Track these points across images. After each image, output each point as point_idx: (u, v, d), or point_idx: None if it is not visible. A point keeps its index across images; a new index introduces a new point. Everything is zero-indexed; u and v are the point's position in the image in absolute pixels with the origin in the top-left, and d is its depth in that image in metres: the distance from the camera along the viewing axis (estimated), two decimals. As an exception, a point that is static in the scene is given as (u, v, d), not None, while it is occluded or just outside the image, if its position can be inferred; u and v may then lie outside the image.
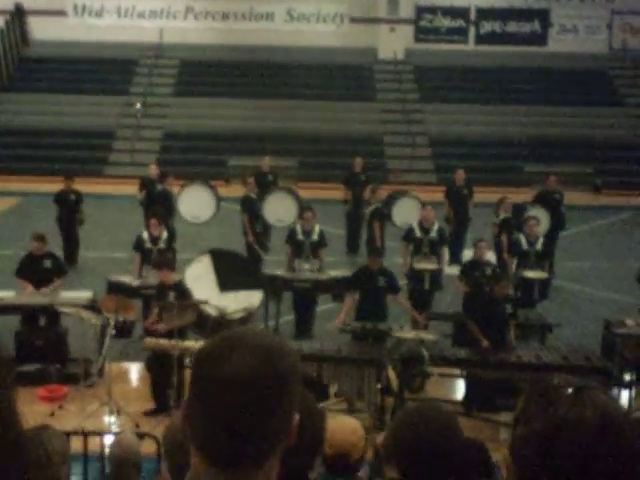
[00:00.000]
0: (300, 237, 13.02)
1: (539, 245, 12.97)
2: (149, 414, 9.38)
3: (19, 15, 30.66)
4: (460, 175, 16.97)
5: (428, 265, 12.78)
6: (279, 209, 15.93)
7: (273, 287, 12.32)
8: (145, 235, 12.77)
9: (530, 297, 12.45)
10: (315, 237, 13.05)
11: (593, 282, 15.20)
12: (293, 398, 1.75)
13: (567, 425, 1.67)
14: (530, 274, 12.57)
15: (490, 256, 13.23)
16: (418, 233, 13.21)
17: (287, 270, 12.79)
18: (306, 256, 12.89)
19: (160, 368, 9.34)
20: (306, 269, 12.77)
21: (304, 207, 14.34)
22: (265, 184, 16.82)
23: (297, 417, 1.77)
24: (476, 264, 11.93)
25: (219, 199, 16.40)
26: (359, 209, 16.86)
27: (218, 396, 1.69)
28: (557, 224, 15.41)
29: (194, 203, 16.30)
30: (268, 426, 1.70)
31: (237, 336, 1.77)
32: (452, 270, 13.43)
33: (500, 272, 11.93)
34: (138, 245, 12.60)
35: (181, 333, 9.46)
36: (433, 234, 13.18)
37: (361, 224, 16.75)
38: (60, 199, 15.67)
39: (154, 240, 12.72)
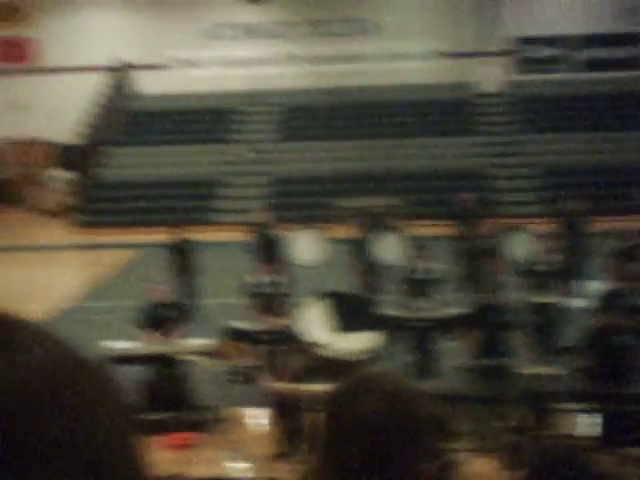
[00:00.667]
0: (414, 275, 12.92)
1: None
2: (278, 458, 9.35)
3: (125, 70, 31.64)
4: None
5: (548, 298, 12.51)
6: (390, 248, 15.88)
7: (391, 327, 12.22)
8: (257, 280, 12.86)
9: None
10: (429, 274, 12.94)
11: None
12: (424, 446, 1.72)
13: None
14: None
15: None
16: (535, 266, 12.97)
17: (404, 309, 12.69)
18: (421, 294, 12.77)
19: (286, 412, 9.34)
20: (422, 307, 12.65)
21: (415, 244, 14.26)
22: (375, 224, 16.81)
23: (427, 466, 1.71)
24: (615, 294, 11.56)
25: (329, 241, 16.46)
26: (470, 244, 16.68)
27: (350, 437, 1.67)
28: None
29: (304, 246, 16.40)
30: (400, 468, 1.67)
31: (371, 378, 1.77)
32: (577, 302, 13.11)
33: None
34: (251, 290, 12.70)
35: (299, 377, 9.46)
36: (549, 266, 12.92)
37: (474, 259, 16.54)
38: (175, 248, 15.94)
39: (267, 285, 12.80)
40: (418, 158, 27.89)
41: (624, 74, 30.50)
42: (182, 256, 15.77)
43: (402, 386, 1.75)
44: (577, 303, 13.16)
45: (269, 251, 15.34)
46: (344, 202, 25.21)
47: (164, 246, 16.11)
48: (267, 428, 10.09)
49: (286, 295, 13.49)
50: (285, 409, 9.39)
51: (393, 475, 1.66)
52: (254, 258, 15.70)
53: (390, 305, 13.47)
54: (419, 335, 12.40)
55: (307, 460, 8.36)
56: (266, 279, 12.89)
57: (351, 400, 1.70)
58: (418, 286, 12.86)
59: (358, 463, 1.66)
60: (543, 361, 10.90)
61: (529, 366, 10.22)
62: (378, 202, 18.31)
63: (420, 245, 13.80)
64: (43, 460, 0.66)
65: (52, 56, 31.86)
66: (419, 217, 23.70)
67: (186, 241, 16.01)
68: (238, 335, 11.76)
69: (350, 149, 28.63)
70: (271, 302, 12.42)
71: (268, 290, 12.78)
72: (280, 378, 9.85)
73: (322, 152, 28.73)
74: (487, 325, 10.93)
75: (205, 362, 10.22)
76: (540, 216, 23.29)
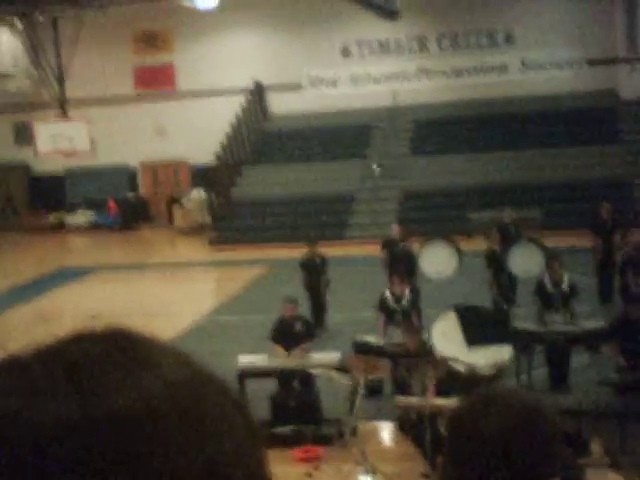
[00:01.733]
0: (549, 288, 12.55)
1: None
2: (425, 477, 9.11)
3: (259, 92, 32.24)
4: None
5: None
6: (525, 261, 15.51)
7: (524, 341, 11.90)
8: (388, 294, 12.79)
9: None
10: (565, 287, 12.54)
11: None
12: (551, 463, 1.68)
13: None
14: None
15: None
16: None
17: (538, 322, 12.33)
18: (556, 307, 12.38)
19: (413, 427, 9.21)
20: (557, 321, 12.26)
21: (551, 256, 13.86)
22: (509, 236, 16.47)
23: None
24: None
25: (461, 254, 16.21)
26: (610, 256, 16.12)
27: (473, 453, 1.65)
28: None
29: (436, 260, 16.20)
30: None
31: (494, 395, 1.76)
32: None
33: None
34: (382, 304, 12.65)
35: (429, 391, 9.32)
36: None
37: (613, 271, 15.97)
38: (306, 264, 16.04)
39: (398, 299, 12.71)
40: (557, 168, 27.24)
41: None
42: (313, 271, 15.86)
43: (528, 402, 1.74)
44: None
45: (402, 265, 15.24)
46: (477, 214, 24.89)
47: (298, 263, 16.24)
48: (393, 442, 9.98)
49: (418, 309, 13.38)
50: (412, 423, 9.25)
51: None
52: (387, 272, 15.61)
53: (523, 318, 13.12)
54: (553, 349, 12.01)
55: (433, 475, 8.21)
56: (398, 292, 12.81)
57: (475, 419, 1.70)
58: (554, 298, 12.48)
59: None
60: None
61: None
62: (512, 214, 17.84)
63: (555, 256, 13.42)
64: (170, 477, 0.67)
65: (190, 80, 32.77)
66: (556, 227, 23.15)
67: (317, 256, 16.09)
68: (367, 348, 11.73)
69: (484, 161, 28.20)
70: (403, 316, 12.34)
71: (399, 304, 12.69)
72: (410, 392, 9.74)
73: (456, 165, 28.41)
74: (629, 338, 10.53)
75: (333, 375, 10.20)
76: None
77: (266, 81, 32.10)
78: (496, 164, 27.96)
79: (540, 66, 30.87)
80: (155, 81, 33.22)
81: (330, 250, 18.46)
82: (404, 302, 12.74)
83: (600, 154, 27.71)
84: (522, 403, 1.71)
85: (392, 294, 12.79)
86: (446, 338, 11.59)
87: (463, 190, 27.23)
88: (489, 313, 12.97)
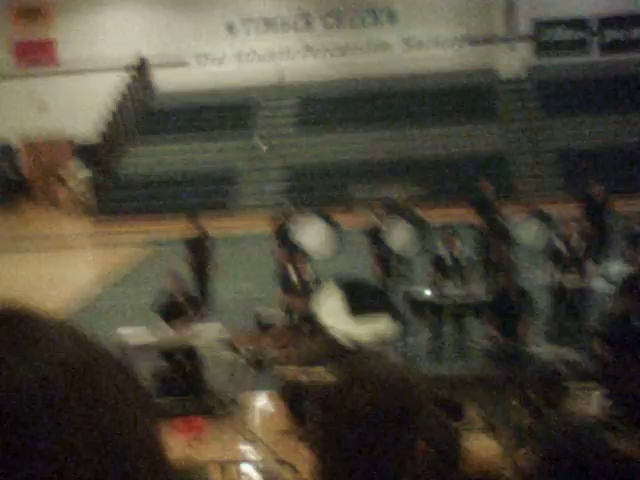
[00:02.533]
0: (447, 260, 12.91)
1: None
2: (283, 436, 9.36)
3: (143, 67, 31.79)
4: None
5: (569, 281, 12.44)
6: (405, 237, 15.81)
7: (416, 311, 12.23)
8: (281, 270, 12.95)
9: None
10: (461, 258, 12.95)
11: None
12: (419, 429, 1.75)
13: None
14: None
15: None
16: (555, 249, 12.95)
17: (432, 291, 12.64)
18: (452, 278, 12.76)
19: (294, 396, 9.37)
20: (451, 292, 12.60)
21: (446, 228, 14.21)
22: (392, 212, 16.71)
23: (424, 445, 1.75)
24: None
25: (338, 229, 16.33)
26: (489, 230, 16.47)
27: (343, 426, 1.71)
28: None
29: (314, 236, 16.34)
30: (393, 455, 1.71)
31: (364, 367, 1.80)
32: (598, 286, 12.96)
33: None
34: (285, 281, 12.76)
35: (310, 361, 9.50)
36: (570, 250, 12.87)
37: (492, 245, 16.39)
38: (191, 243, 15.75)
39: (290, 274, 12.85)
40: (438, 145, 27.79)
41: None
42: (198, 250, 15.71)
43: (396, 373, 1.78)
44: (598, 286, 13.04)
45: (289, 242, 15.36)
46: (363, 192, 25.22)
47: (182, 241, 16.14)
48: (276, 412, 10.12)
49: (308, 283, 13.52)
50: (293, 393, 9.40)
51: (389, 463, 1.71)
52: (275, 249, 15.73)
53: (416, 289, 13.37)
54: (445, 319, 12.35)
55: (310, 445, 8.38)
56: (289, 268, 12.94)
57: (343, 390, 1.74)
58: (447, 271, 12.83)
59: (353, 454, 1.69)
60: (560, 344, 10.84)
61: (545, 349, 10.17)
62: (397, 190, 18.17)
63: (448, 231, 13.76)
64: (67, 452, 0.68)
65: (72, 55, 32.08)
66: (438, 204, 23.69)
67: (203, 235, 15.95)
68: (263, 323, 11.82)
69: (371, 138, 28.57)
70: (295, 290, 12.47)
71: (292, 279, 12.83)
72: (291, 363, 9.87)
73: (342, 143, 28.70)
74: (506, 309, 10.92)
75: (216, 347, 10.27)
76: (562, 200, 23.18)
77: (151, 57, 31.69)
78: (380, 141, 28.33)
79: (422, 44, 31.35)
80: (36, 56, 32.38)
81: (216, 226, 18.43)
82: (295, 277, 12.88)
83: (481, 131, 28.39)
84: (388, 376, 1.75)
85: (285, 269, 12.95)
86: (327, 309, 11.74)
87: (349, 167, 27.53)
88: (370, 285, 13.17)
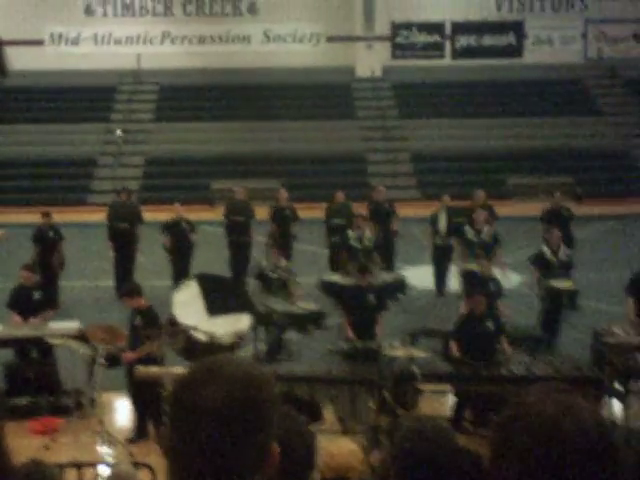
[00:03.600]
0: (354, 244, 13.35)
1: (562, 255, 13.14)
2: (132, 442, 9.33)
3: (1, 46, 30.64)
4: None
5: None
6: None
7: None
8: None
9: (558, 307, 12.59)
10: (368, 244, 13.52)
11: (581, 293, 15.12)
12: (269, 427, 1.77)
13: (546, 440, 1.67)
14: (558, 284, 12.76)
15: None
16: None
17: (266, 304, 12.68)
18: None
19: (144, 395, 9.33)
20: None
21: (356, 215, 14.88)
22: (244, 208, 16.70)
23: (276, 446, 1.78)
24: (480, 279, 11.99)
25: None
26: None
27: (193, 425, 1.70)
28: (567, 241, 14.90)
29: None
30: (243, 455, 1.72)
31: (214, 365, 1.78)
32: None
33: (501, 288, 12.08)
34: None
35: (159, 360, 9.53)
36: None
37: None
38: (38, 237, 14.77)
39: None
40: (296, 141, 28.03)
41: (497, 61, 31.26)
42: (46, 245, 14.83)
43: (249, 372, 1.77)
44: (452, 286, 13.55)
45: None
46: (219, 183, 25.17)
47: (32, 227, 15.62)
48: (129, 412, 10.05)
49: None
50: (146, 392, 9.35)
51: (239, 464, 1.72)
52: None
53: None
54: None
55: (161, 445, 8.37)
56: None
57: (192, 388, 1.73)
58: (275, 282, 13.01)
59: (202, 454, 1.69)
60: (410, 343, 11.15)
61: (395, 348, 10.44)
62: (254, 184, 18.26)
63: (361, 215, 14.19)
64: None
65: None
66: (295, 199, 23.84)
67: (51, 229, 15.07)
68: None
69: (228, 130, 28.56)
70: (126, 285, 12.10)
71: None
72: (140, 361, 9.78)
73: (200, 133, 28.57)
74: (357, 308, 11.16)
75: (72, 345, 10.07)
76: (412, 200, 23.88)
77: (4, 34, 30.54)
78: (236, 133, 28.35)
79: (282, 39, 31.49)
80: None
81: (70, 216, 18.04)
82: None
83: (337, 128, 28.82)
84: (240, 372, 1.76)
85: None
86: (187, 307, 11.68)
87: (206, 159, 27.41)
88: (229, 282, 13.23)
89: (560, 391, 1.76)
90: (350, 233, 14.23)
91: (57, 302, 14.43)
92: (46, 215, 15.06)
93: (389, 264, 15.60)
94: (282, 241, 15.25)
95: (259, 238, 16.06)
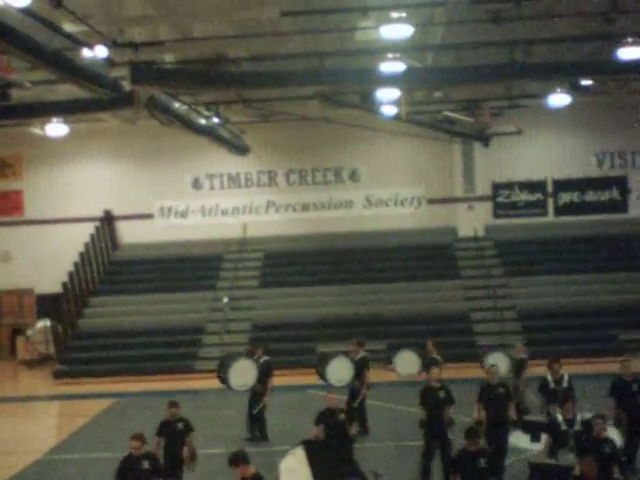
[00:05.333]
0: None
1: None
2: None
3: (108, 220, 32.11)
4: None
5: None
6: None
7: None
8: None
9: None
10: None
11: None
12: None
13: None
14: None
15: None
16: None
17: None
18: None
19: None
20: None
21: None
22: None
23: None
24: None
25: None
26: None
27: None
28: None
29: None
30: None
31: None
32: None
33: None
34: None
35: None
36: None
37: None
38: (165, 429, 12.92)
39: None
40: (401, 302, 28.20)
41: (601, 217, 31.12)
42: (174, 436, 12.79)
43: None
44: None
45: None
46: (326, 347, 25.18)
47: (143, 395, 15.77)
48: None
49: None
50: None
51: None
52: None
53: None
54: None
55: None
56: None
57: None
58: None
59: None
60: None
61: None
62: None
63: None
64: None
65: (39, 207, 32.36)
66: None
67: (180, 420, 13.03)
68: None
69: (333, 294, 28.89)
70: (237, 454, 11.81)
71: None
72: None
73: (304, 297, 28.96)
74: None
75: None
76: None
77: (117, 211, 32.08)
78: (341, 297, 28.65)
79: (383, 203, 32.05)
80: (2, 207, 32.58)
81: (179, 383, 18.22)
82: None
83: (442, 288, 28.93)
84: None
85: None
86: (294, 474, 11.52)
87: (311, 323, 27.64)
88: (336, 448, 12.98)
89: None
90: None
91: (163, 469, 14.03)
92: (173, 405, 13.06)
93: None
94: None
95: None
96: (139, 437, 11.40)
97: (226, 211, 32.41)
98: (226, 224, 32.02)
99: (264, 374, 16.74)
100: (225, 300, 27.92)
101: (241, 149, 29.76)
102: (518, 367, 16.95)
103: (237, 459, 9.96)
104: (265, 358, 17.13)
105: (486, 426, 13.04)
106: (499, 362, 15.90)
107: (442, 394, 13.27)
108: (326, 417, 12.88)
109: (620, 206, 31.54)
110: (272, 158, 32.32)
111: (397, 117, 25.98)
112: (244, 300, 29.25)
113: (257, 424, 16.87)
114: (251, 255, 31.54)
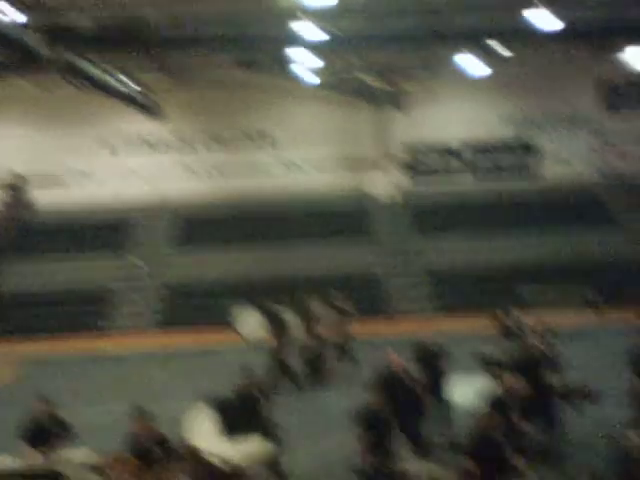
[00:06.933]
0: None
1: None
2: None
3: (19, 184, 31.66)
4: None
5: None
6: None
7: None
8: None
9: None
10: None
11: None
12: None
13: None
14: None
15: None
16: None
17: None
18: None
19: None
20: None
21: None
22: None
23: None
24: None
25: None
26: None
27: None
28: None
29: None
30: None
31: None
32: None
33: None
34: None
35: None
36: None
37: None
38: None
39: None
40: (313, 264, 28.45)
41: (514, 182, 31.81)
42: None
43: None
44: (463, 402, 13.54)
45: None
46: (240, 309, 25.39)
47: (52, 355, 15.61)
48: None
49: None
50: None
51: None
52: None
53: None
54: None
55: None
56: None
57: None
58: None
59: None
60: (427, 459, 11.15)
61: (414, 465, 10.44)
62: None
63: None
64: None
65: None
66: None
67: None
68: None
69: (249, 257, 28.99)
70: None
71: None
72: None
73: (219, 260, 29.05)
74: (372, 427, 11.13)
75: (86, 476, 10.08)
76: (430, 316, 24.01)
77: (27, 173, 31.62)
78: (259, 260, 28.81)
79: (299, 167, 32.22)
80: None
81: (88, 344, 18.03)
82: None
83: (355, 251, 29.29)
84: None
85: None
86: (201, 431, 11.62)
87: (226, 284, 27.78)
88: (245, 405, 13.15)
89: None
90: None
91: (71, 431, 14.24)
92: None
93: None
94: None
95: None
96: (45, 400, 11.32)
97: (141, 175, 32.14)
98: (141, 188, 31.78)
99: None
100: (138, 263, 27.86)
101: (156, 113, 29.59)
102: None
103: (142, 416, 10.21)
104: None
105: None
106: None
107: None
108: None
109: (533, 169, 32.31)
110: (188, 122, 32.13)
111: (314, 82, 26.13)
112: (158, 263, 29.22)
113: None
114: (166, 219, 31.42)
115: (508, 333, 16.24)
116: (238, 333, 19.04)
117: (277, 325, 17.48)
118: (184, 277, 28.42)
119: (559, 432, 12.36)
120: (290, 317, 18.15)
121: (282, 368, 17.12)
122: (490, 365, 14.06)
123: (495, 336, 16.56)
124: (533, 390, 11.81)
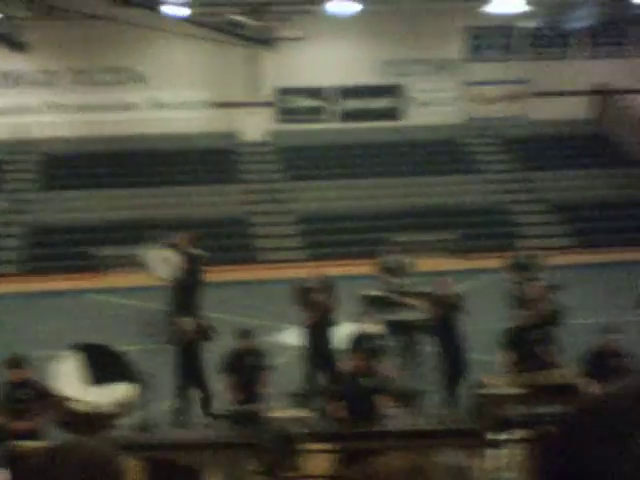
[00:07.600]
0: None
1: None
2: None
3: None
4: None
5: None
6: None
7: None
8: None
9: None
10: None
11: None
12: None
13: None
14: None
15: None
16: None
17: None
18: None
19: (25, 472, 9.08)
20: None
21: None
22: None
23: None
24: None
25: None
26: None
27: None
28: None
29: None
30: None
31: (63, 449, 1.83)
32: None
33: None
34: None
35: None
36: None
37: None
38: None
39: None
40: (182, 206, 28.10)
41: (379, 124, 32.08)
42: None
43: (97, 456, 1.81)
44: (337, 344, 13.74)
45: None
46: (108, 250, 24.95)
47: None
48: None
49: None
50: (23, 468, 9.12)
51: None
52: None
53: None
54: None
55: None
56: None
57: (42, 472, 1.77)
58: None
59: None
60: (292, 404, 11.27)
61: (278, 409, 10.52)
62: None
63: None
64: None
65: None
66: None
67: None
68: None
69: (115, 198, 28.43)
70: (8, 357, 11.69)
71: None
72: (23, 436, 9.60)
73: (85, 201, 28.35)
74: (241, 370, 11.18)
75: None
76: (300, 261, 24.19)
77: None
78: (123, 201, 28.29)
79: (168, 106, 31.61)
80: None
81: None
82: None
83: (223, 193, 29.06)
84: (87, 457, 1.79)
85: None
86: (68, 377, 11.45)
87: (92, 227, 27.14)
88: (112, 352, 13.01)
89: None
90: None
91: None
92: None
93: None
94: None
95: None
96: (17, 364, 10.75)
97: (2, 111, 30.85)
98: (5, 124, 30.50)
99: None
100: (2, 204, 26.95)
101: (19, 46, 28.32)
102: None
103: (16, 362, 9.98)
104: None
105: None
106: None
107: None
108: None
109: (400, 113, 32.68)
110: (53, 57, 30.88)
111: (183, 18, 25.55)
112: (22, 203, 28.29)
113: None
114: (29, 157, 30.38)
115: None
116: (147, 270, 18.81)
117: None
118: (52, 220, 27.50)
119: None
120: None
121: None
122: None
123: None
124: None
